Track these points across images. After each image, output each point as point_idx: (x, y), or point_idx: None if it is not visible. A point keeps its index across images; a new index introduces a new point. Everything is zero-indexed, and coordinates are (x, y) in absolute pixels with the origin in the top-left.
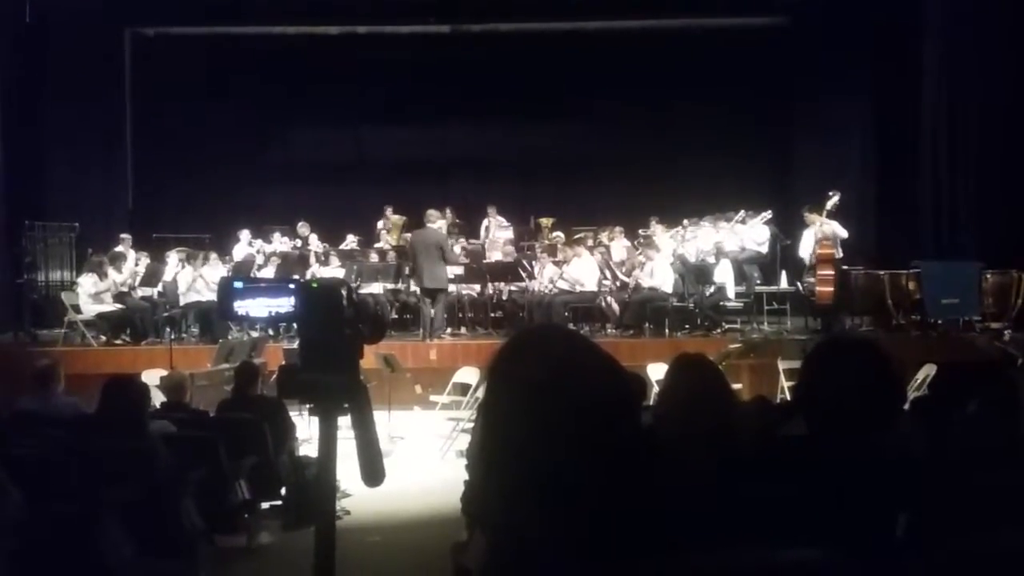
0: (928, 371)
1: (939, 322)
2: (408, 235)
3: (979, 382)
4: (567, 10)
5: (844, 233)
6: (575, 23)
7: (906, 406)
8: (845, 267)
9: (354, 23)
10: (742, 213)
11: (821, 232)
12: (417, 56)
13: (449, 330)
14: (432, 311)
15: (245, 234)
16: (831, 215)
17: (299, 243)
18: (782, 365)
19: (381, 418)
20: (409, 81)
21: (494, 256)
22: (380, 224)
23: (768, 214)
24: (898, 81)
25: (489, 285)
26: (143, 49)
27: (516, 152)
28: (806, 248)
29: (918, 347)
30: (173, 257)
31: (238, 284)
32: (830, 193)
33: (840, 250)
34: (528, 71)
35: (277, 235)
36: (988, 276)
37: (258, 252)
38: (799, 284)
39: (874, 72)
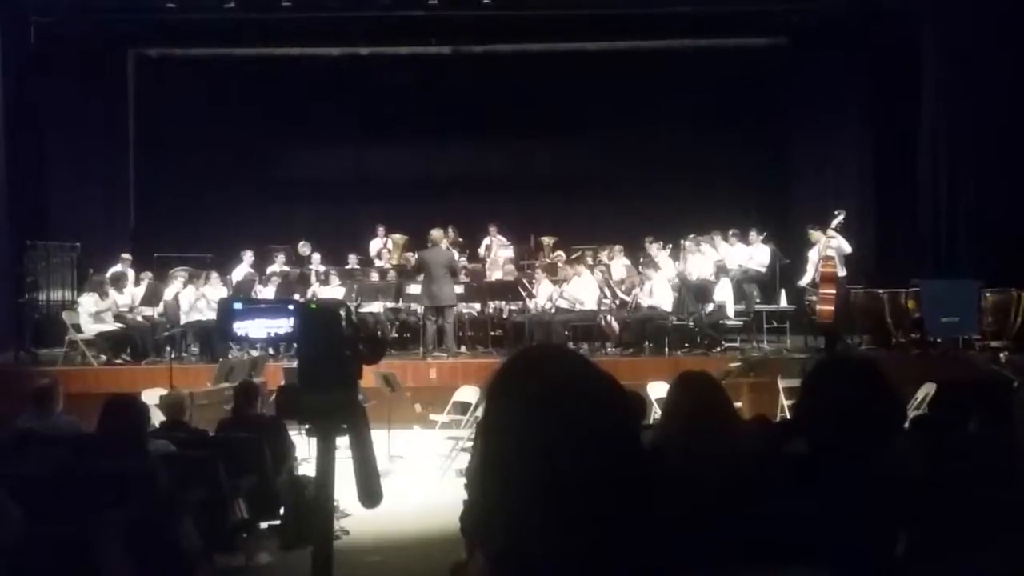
0: (928, 390)
1: (939, 340)
2: (409, 254)
3: (978, 401)
4: (567, 31)
5: (848, 248)
6: (575, 44)
7: (906, 425)
8: (848, 285)
9: (356, 44)
10: (733, 231)
11: (827, 249)
12: (418, 77)
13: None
14: (438, 327)
15: (248, 255)
16: (837, 233)
17: (296, 261)
18: (782, 384)
19: (381, 437)
20: (410, 101)
21: (495, 275)
22: (377, 243)
23: (763, 235)
24: (896, 100)
25: (489, 304)
26: (146, 70)
27: (517, 171)
28: (810, 267)
29: (918, 365)
30: (176, 277)
31: (237, 305)
32: (835, 212)
33: (844, 268)
34: (528, 91)
35: (281, 257)
36: (987, 294)
37: (256, 273)
38: (804, 295)
39: (872, 91)
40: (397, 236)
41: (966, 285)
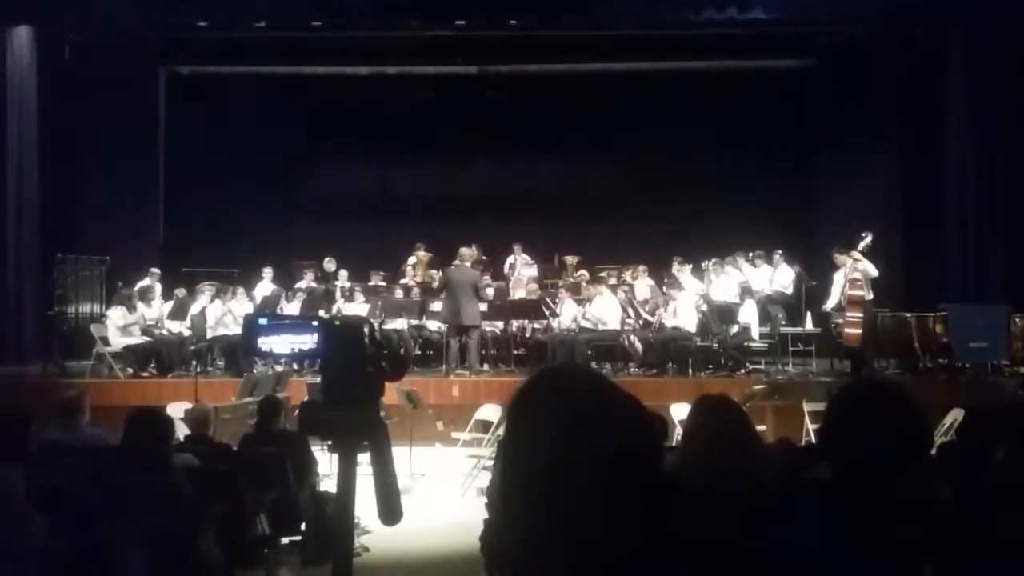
0: (956, 416)
1: (967, 366)
2: (434, 272)
3: (1006, 428)
4: (592, 52)
5: (875, 272)
6: (601, 64)
7: (933, 451)
8: (874, 309)
9: (383, 64)
10: (757, 253)
11: (853, 272)
12: (444, 96)
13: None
14: (462, 346)
15: (268, 272)
16: (863, 255)
17: (323, 277)
18: (807, 407)
19: (402, 454)
20: (436, 120)
21: (518, 294)
22: (409, 261)
23: (780, 253)
24: (924, 122)
25: (512, 322)
26: (177, 87)
27: (542, 190)
28: (835, 290)
29: (945, 391)
30: (203, 291)
31: (262, 320)
32: (862, 234)
33: (871, 291)
34: (554, 111)
35: (310, 274)
36: (1017, 320)
37: (281, 289)
38: (831, 319)
39: (899, 112)
40: (422, 253)
41: (995, 310)
